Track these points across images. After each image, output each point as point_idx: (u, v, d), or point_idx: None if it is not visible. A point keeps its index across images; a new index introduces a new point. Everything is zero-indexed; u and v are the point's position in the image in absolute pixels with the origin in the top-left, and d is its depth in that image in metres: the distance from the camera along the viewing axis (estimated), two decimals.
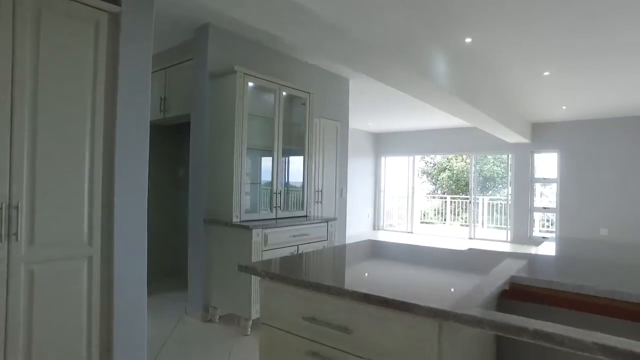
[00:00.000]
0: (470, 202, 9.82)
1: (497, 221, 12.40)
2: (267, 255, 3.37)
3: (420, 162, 19.27)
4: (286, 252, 3.57)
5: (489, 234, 10.27)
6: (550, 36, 3.96)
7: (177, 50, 4.20)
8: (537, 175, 9.01)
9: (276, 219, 3.83)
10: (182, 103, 4.00)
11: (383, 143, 11.04)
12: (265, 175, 3.96)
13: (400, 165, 18.72)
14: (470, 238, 9.72)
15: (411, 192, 10.81)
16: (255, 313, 3.28)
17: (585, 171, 8.49)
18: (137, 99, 2.31)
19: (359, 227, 10.35)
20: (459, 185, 17.35)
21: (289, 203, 4.21)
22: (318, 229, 3.98)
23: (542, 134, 8.48)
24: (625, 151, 8.15)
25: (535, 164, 9.03)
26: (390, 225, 12.29)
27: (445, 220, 13.65)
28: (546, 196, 10.51)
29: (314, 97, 4.28)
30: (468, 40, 4.07)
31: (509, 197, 9.37)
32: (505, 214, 12.37)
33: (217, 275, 3.57)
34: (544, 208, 9.32)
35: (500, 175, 16.73)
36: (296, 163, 4.30)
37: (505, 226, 11.88)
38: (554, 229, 9.21)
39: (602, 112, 7.71)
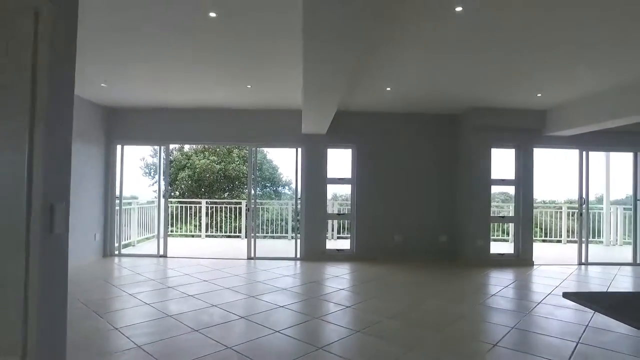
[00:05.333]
0: (249, 210, 7.31)
1: (275, 229, 10.47)
2: None
3: (152, 157, 15.71)
4: None
5: (270, 249, 8.06)
6: None
7: None
8: (330, 175, 7.37)
9: None
10: None
11: (120, 124, 7.22)
12: None
13: (136, 156, 14.48)
14: (250, 258, 7.23)
15: (162, 197, 7.46)
16: None
17: (379, 171, 7.40)
18: None
19: (79, 257, 6.28)
20: (201, 186, 14.76)
21: None
22: None
23: (338, 125, 6.85)
24: (415, 150, 7.47)
25: (328, 161, 7.38)
26: (131, 244, 8.49)
27: (200, 230, 10.77)
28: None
29: None
30: None
31: (298, 202, 7.41)
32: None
33: None
34: (339, 214, 7.82)
35: (247, 176, 14.97)
36: None
37: (286, 235, 10.10)
38: (349, 238, 7.81)
39: (401, 105, 6.69)
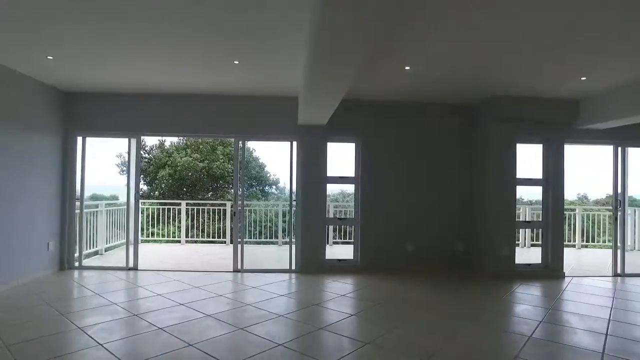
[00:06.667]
0: (236, 214, 6.23)
1: (263, 233, 9.39)
2: None
3: (123, 156, 14.50)
4: None
5: (260, 259, 7.01)
6: None
7: None
8: (330, 172, 6.33)
9: None
10: None
11: (81, 111, 6.05)
12: None
13: (111, 152, 13.44)
14: (236, 270, 6.15)
15: (131, 197, 6.33)
16: None
17: (387, 169, 6.41)
18: None
19: (26, 272, 5.10)
20: (182, 186, 13.63)
21: None
22: None
23: (340, 115, 5.79)
24: (429, 144, 6.50)
25: (328, 156, 6.33)
26: (100, 253, 7.34)
27: (180, 235, 9.63)
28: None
29: None
30: None
31: (293, 203, 6.36)
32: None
33: None
34: (340, 219, 6.80)
35: (232, 174, 13.81)
36: None
37: (275, 241, 8.97)
38: (348, 243, 6.79)
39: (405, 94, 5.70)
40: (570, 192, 13.96)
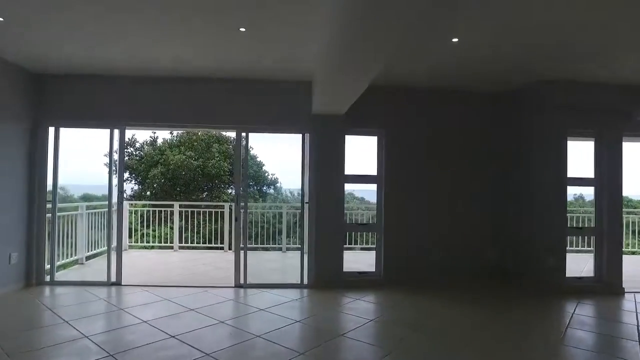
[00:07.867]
0: (237, 219, 5.27)
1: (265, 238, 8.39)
2: None
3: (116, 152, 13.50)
4: None
5: (264, 270, 6.08)
6: None
7: None
8: (348, 171, 5.40)
9: None
10: None
11: (53, 96, 5.08)
12: None
13: (99, 150, 12.50)
14: (238, 285, 5.20)
15: (114, 199, 5.38)
16: None
17: (414, 167, 5.51)
18: None
19: None
20: (176, 185, 12.64)
21: None
22: None
23: (360, 104, 4.83)
24: (464, 138, 5.60)
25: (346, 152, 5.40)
26: (80, 262, 6.38)
27: (173, 240, 8.65)
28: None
29: None
30: None
31: (305, 206, 5.44)
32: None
33: None
34: (360, 225, 5.87)
35: (228, 174, 12.85)
36: None
37: (279, 247, 7.96)
38: (361, 249, 5.87)
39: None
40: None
